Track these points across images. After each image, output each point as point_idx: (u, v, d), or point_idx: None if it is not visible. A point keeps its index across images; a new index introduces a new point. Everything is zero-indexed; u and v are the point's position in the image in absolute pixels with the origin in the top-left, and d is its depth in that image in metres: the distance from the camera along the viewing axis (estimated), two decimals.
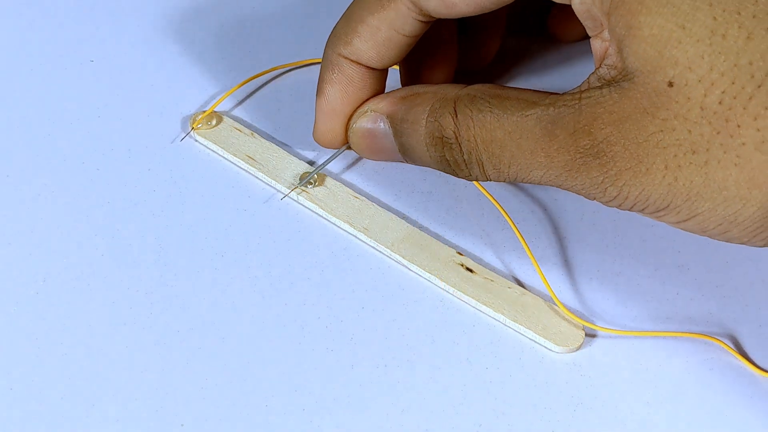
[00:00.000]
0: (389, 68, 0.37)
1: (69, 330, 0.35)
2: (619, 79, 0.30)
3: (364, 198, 0.39)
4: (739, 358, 0.34)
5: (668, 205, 0.30)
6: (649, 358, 0.35)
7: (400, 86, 0.38)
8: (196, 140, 0.41)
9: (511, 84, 0.44)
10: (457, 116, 0.33)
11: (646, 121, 0.29)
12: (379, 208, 0.38)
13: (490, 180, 0.34)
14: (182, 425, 0.33)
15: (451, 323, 0.35)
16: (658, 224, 0.38)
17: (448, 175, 0.35)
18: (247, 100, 0.42)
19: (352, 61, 0.35)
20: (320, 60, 0.44)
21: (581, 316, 0.36)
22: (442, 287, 0.36)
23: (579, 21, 0.32)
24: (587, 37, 0.32)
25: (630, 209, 0.31)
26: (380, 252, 0.37)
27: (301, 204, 0.39)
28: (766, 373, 0.34)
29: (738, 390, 0.34)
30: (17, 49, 0.44)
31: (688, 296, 0.36)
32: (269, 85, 0.43)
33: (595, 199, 0.31)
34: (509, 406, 0.33)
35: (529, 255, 0.36)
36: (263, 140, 0.40)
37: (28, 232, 0.37)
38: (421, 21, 0.34)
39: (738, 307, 0.36)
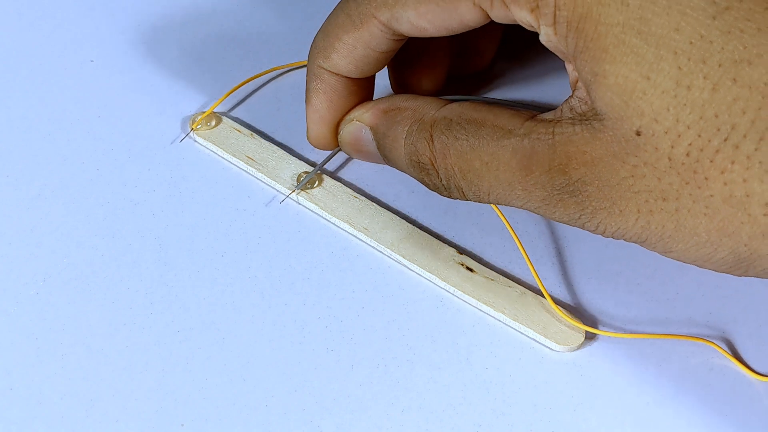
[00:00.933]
0: (375, 73, 0.37)
1: (69, 330, 0.35)
2: (590, 117, 0.30)
3: (364, 198, 0.39)
4: (734, 361, 0.34)
5: (644, 241, 0.31)
6: (648, 359, 0.35)
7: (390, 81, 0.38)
8: (196, 141, 0.41)
9: (505, 89, 0.43)
10: (433, 143, 0.33)
11: (617, 165, 0.29)
12: (379, 208, 0.38)
13: (472, 202, 0.34)
14: (182, 425, 0.33)
15: (451, 323, 0.35)
16: None
17: None
18: (247, 101, 0.42)
19: (332, 72, 0.36)
20: None
21: (579, 317, 0.36)
22: (442, 287, 0.36)
23: None
24: None
25: (611, 238, 0.32)
26: (380, 252, 0.37)
27: (301, 204, 0.39)
28: (761, 376, 0.34)
29: (734, 393, 0.34)
30: (17, 49, 0.44)
31: (688, 297, 0.36)
32: (268, 85, 0.43)
33: (576, 227, 0.32)
34: (509, 406, 0.33)
35: (525, 258, 0.36)
36: (262, 141, 0.40)
37: (28, 232, 0.37)
38: (395, 40, 0.34)
39: (737, 308, 0.36)
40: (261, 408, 0.33)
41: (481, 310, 0.36)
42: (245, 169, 0.40)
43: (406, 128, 0.34)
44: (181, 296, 0.36)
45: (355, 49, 0.35)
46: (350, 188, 0.39)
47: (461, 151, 0.33)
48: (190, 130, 0.41)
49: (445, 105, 0.34)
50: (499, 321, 0.35)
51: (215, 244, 0.37)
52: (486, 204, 0.38)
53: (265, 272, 0.37)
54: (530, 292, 0.36)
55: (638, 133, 0.29)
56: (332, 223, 0.38)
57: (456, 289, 0.36)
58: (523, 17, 0.31)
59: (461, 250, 0.37)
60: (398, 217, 0.38)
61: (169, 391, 0.33)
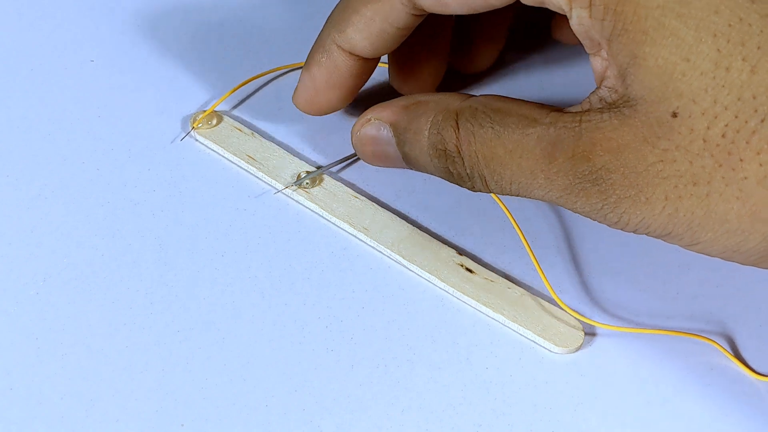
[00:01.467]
0: (378, 59, 0.37)
1: (69, 330, 0.35)
2: (620, 104, 0.30)
3: (364, 198, 0.39)
4: (734, 360, 0.34)
5: (670, 233, 0.30)
6: (648, 359, 0.35)
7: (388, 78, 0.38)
8: (197, 140, 0.41)
9: (512, 87, 0.43)
10: (459, 130, 0.33)
11: (646, 150, 0.29)
12: (379, 208, 0.38)
13: (494, 193, 0.34)
14: (182, 425, 0.33)
15: (451, 323, 0.35)
16: None
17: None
18: (248, 100, 0.42)
19: (343, 49, 0.36)
20: None
21: (581, 314, 0.36)
22: (442, 287, 0.36)
23: None
24: None
25: (633, 233, 0.31)
26: (380, 252, 0.37)
27: (301, 204, 0.39)
28: (761, 375, 0.34)
29: (734, 393, 0.34)
30: (17, 49, 0.44)
31: (689, 296, 0.36)
32: (269, 85, 0.43)
33: (597, 221, 0.31)
34: (509, 406, 0.33)
35: (529, 252, 0.36)
36: (263, 140, 0.40)
37: (28, 232, 0.37)
38: (415, 15, 0.34)
39: (738, 307, 0.36)
40: (261, 408, 0.33)
41: (480, 311, 0.36)
42: (246, 168, 0.40)
43: (431, 119, 0.34)
44: (181, 296, 0.36)
45: (373, 22, 0.35)
46: (350, 188, 0.39)
47: (486, 138, 0.32)
48: (190, 128, 0.41)
49: (469, 97, 0.34)
50: (498, 322, 0.35)
51: (215, 244, 0.37)
52: (488, 204, 0.38)
53: (265, 272, 0.37)
54: (529, 294, 0.36)
55: (674, 115, 0.29)
56: (332, 222, 0.38)
57: (455, 290, 0.36)
58: None
59: (461, 251, 0.37)
60: (398, 217, 0.38)
61: (169, 391, 0.33)
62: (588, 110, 0.31)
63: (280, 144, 0.41)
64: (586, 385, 0.34)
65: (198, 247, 0.37)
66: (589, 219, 0.32)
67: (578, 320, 0.35)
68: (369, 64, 0.37)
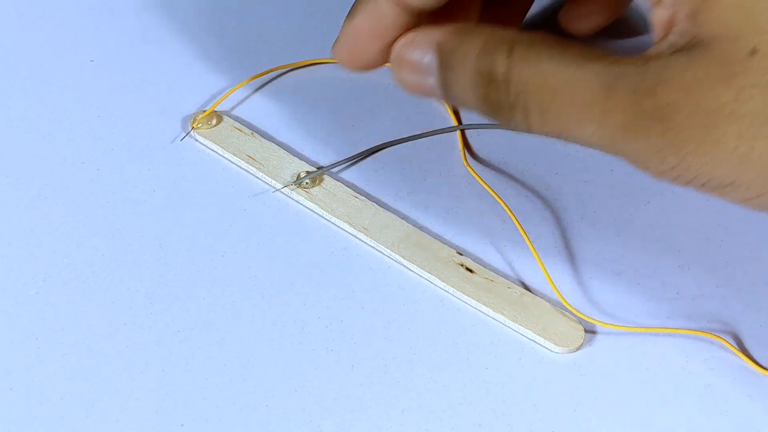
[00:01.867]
0: (423, 16, 0.34)
1: (69, 330, 0.35)
2: (691, 46, 0.29)
3: (364, 198, 0.39)
4: (741, 355, 0.34)
5: (735, 180, 0.28)
6: (649, 358, 0.35)
7: None
8: (197, 140, 0.41)
9: None
10: (511, 55, 0.31)
11: (720, 89, 0.28)
12: (379, 208, 0.38)
13: (532, 131, 0.31)
14: (182, 425, 0.33)
15: (451, 323, 0.35)
16: (659, 223, 0.38)
17: (453, 182, 0.34)
18: (248, 100, 0.42)
19: None
20: (322, 61, 0.44)
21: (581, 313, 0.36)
22: (442, 287, 0.36)
23: (590, 15, 0.30)
24: (598, 32, 0.31)
25: (688, 183, 0.29)
26: (380, 252, 0.37)
27: (302, 204, 0.39)
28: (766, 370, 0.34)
29: (739, 388, 0.34)
30: (17, 49, 0.44)
31: (689, 296, 0.36)
32: (270, 85, 0.43)
33: (648, 168, 0.29)
34: (509, 406, 0.33)
35: (531, 249, 0.36)
36: (263, 140, 0.40)
37: (28, 232, 0.37)
38: None
39: (738, 307, 0.36)
40: (261, 408, 0.33)
41: (480, 311, 0.36)
42: (246, 168, 0.40)
43: (481, 43, 0.32)
44: (181, 296, 0.36)
45: None
46: (350, 188, 0.39)
47: (540, 66, 0.30)
48: (190, 128, 0.41)
49: (524, 30, 0.32)
50: (499, 322, 0.35)
51: (215, 244, 0.37)
52: (489, 204, 0.38)
53: (265, 272, 0.37)
54: (529, 294, 0.36)
55: (753, 52, 0.28)
56: (332, 222, 0.38)
57: (455, 290, 0.36)
58: None
59: (461, 251, 0.37)
60: (398, 218, 0.38)
61: (169, 391, 0.33)
62: (655, 53, 0.29)
63: (280, 144, 0.41)
64: (586, 384, 0.34)
65: (198, 247, 0.37)
66: (637, 167, 0.29)
67: (579, 320, 0.35)
68: (414, 22, 0.34)
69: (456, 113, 0.42)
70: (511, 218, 0.38)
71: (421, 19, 0.34)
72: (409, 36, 0.34)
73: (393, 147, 0.41)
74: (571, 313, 0.35)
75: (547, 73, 0.30)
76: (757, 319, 0.36)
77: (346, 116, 0.42)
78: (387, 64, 0.35)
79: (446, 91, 0.33)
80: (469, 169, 0.40)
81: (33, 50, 0.44)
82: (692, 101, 0.28)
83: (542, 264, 0.37)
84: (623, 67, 0.29)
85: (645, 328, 0.35)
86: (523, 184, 0.40)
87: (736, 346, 0.35)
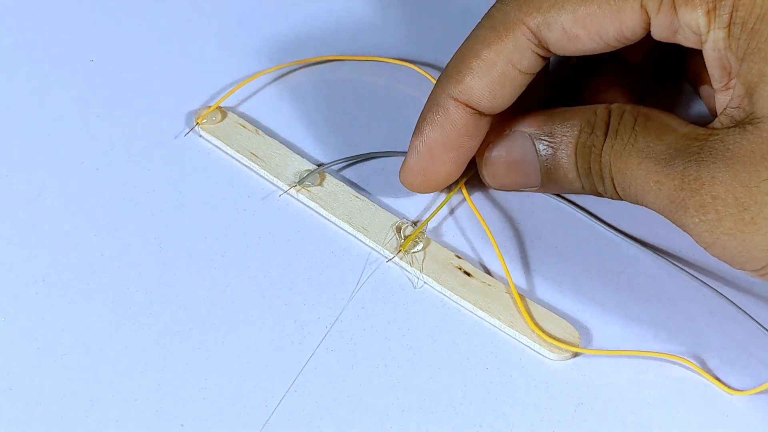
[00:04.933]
0: (490, 122, 0.35)
1: (68, 330, 0.35)
2: (745, 122, 0.29)
3: (364, 198, 0.39)
4: (709, 378, 0.34)
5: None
6: (648, 358, 0.35)
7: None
8: (201, 135, 0.41)
9: None
10: (607, 131, 0.32)
11: (761, 166, 0.28)
12: (379, 208, 0.38)
13: (621, 199, 0.33)
14: (182, 425, 0.33)
15: (450, 323, 0.35)
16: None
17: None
18: (253, 97, 0.42)
19: (460, 102, 0.33)
20: (326, 58, 0.44)
21: (577, 318, 0.36)
22: (439, 290, 0.36)
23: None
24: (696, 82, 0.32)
25: (729, 263, 0.29)
26: (380, 252, 0.37)
27: (302, 203, 0.39)
28: (736, 391, 0.34)
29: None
30: (18, 49, 0.44)
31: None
32: (275, 83, 0.43)
33: (696, 241, 0.30)
34: (509, 407, 0.33)
35: (506, 271, 0.36)
36: (267, 137, 0.40)
37: (28, 232, 0.37)
38: (540, 56, 0.33)
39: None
40: (261, 408, 0.33)
41: (477, 315, 0.36)
42: (248, 165, 0.40)
43: (579, 123, 0.33)
44: (181, 296, 0.36)
45: (495, 65, 0.32)
46: (351, 188, 0.39)
47: (624, 140, 0.31)
48: (195, 124, 0.41)
49: (612, 104, 0.33)
50: (495, 327, 0.35)
51: (215, 243, 0.37)
52: (488, 208, 0.38)
53: (265, 272, 0.37)
54: (527, 299, 0.36)
55: None
56: (332, 222, 0.38)
57: (452, 293, 0.36)
58: (693, 20, 0.30)
59: (459, 254, 0.37)
60: (398, 218, 0.38)
61: (169, 391, 0.33)
62: (720, 127, 0.30)
63: (283, 142, 0.40)
64: (586, 385, 0.34)
65: (198, 247, 0.37)
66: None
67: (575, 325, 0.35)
68: (484, 123, 0.34)
69: None
70: (509, 222, 0.38)
71: (491, 120, 0.34)
72: (499, 132, 0.34)
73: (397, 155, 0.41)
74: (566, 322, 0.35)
75: (629, 146, 0.31)
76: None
77: (350, 115, 0.42)
78: (462, 181, 0.37)
79: (548, 176, 0.34)
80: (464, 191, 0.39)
81: (33, 50, 0.44)
82: (732, 175, 0.28)
83: (517, 293, 0.36)
84: (688, 142, 0.30)
85: (619, 351, 0.35)
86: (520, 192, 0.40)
87: (705, 369, 0.34)
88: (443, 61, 0.35)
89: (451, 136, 0.34)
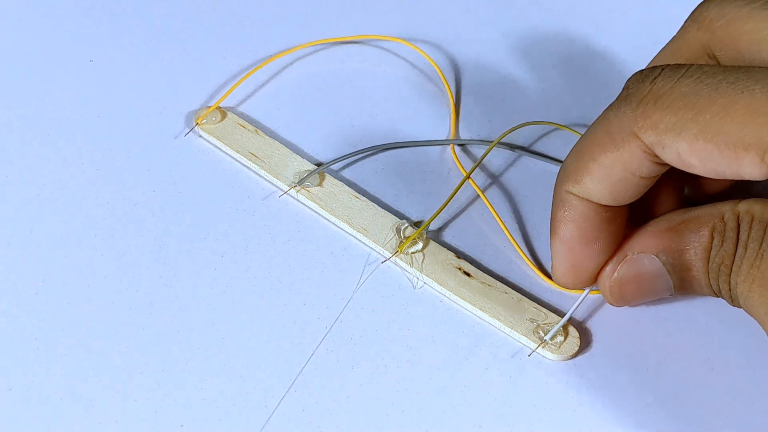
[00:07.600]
0: (627, 207, 0.33)
1: (68, 330, 0.35)
2: None
3: (364, 198, 0.39)
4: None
5: None
6: (649, 359, 0.35)
7: None
8: (200, 135, 0.41)
9: None
10: (737, 243, 0.31)
11: None
12: (379, 208, 0.38)
13: (741, 308, 0.32)
14: (182, 425, 0.33)
15: (450, 323, 0.35)
16: None
17: (452, 184, 0.34)
18: (252, 97, 0.42)
19: (581, 198, 0.32)
20: (324, 41, 0.44)
21: (580, 319, 0.36)
22: (439, 290, 0.36)
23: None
24: None
25: None
26: (379, 252, 0.37)
27: (301, 203, 0.39)
28: None
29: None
30: (17, 49, 0.44)
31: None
32: (274, 81, 0.43)
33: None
34: (509, 407, 0.33)
35: (522, 256, 0.36)
36: (266, 137, 0.40)
37: (28, 232, 0.37)
38: (661, 164, 0.31)
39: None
40: (261, 408, 0.33)
41: (477, 315, 0.36)
42: (248, 165, 0.40)
43: (707, 231, 0.31)
44: (180, 296, 0.36)
45: (612, 171, 0.31)
46: (350, 188, 0.39)
47: (754, 267, 0.30)
48: (194, 124, 0.41)
49: (738, 201, 0.31)
50: (495, 327, 0.35)
51: (215, 244, 0.37)
52: (487, 208, 0.38)
53: (265, 272, 0.37)
54: (526, 299, 0.36)
55: None
56: (332, 222, 0.38)
57: (452, 294, 0.36)
58: None
59: (459, 254, 0.37)
60: (398, 218, 0.38)
61: (169, 391, 0.33)
62: None
63: (283, 142, 0.40)
64: (586, 385, 0.34)
65: (198, 247, 0.37)
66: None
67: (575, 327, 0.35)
68: (618, 212, 0.33)
69: (455, 125, 0.42)
70: (508, 223, 0.38)
71: (625, 209, 0.33)
72: (618, 256, 0.33)
73: (394, 148, 0.41)
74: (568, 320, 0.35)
75: (754, 270, 0.30)
76: None
77: (350, 114, 0.42)
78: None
79: (682, 287, 0.33)
80: (470, 180, 0.39)
81: (33, 50, 0.44)
82: None
83: (539, 270, 0.37)
84: None
85: None
86: (519, 192, 0.40)
87: None
88: (439, 38, 0.34)
89: (586, 228, 0.33)
